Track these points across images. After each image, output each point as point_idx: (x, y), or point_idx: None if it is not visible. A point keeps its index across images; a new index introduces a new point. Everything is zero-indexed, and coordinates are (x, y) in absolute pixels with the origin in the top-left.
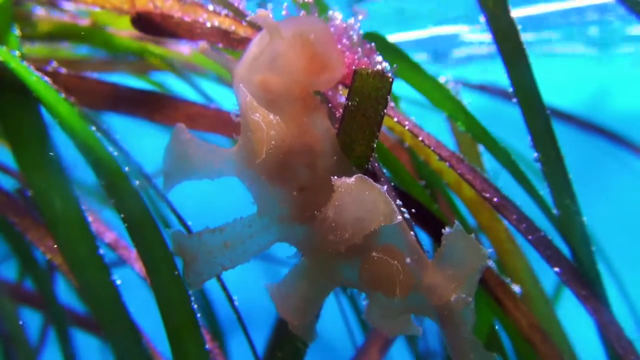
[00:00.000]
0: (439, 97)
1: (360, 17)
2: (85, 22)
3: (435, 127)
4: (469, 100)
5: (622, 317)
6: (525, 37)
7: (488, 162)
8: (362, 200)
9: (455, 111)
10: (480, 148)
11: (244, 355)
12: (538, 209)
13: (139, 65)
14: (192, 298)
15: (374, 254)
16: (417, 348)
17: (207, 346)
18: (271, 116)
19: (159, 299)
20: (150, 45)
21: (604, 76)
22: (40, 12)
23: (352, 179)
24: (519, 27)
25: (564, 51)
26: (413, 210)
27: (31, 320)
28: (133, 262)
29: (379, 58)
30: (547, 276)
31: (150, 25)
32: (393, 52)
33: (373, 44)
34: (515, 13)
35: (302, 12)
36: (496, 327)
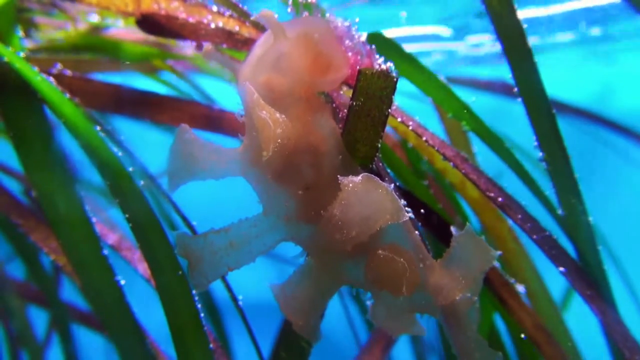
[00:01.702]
0: (443, 96)
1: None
2: (85, 24)
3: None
4: (474, 98)
5: (629, 318)
6: (531, 39)
7: (491, 161)
8: (368, 198)
9: (460, 110)
10: (480, 146)
11: (248, 355)
12: (543, 209)
13: (147, 64)
14: (196, 298)
15: (379, 252)
16: (420, 347)
17: (211, 346)
18: (277, 114)
19: (163, 299)
20: (156, 49)
21: (608, 75)
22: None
23: (359, 177)
24: (525, 26)
25: (566, 50)
26: (417, 210)
27: (38, 317)
28: (137, 263)
29: (381, 59)
30: (552, 276)
31: (154, 26)
32: (395, 51)
33: (374, 45)
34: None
35: (305, 13)
36: (497, 327)
